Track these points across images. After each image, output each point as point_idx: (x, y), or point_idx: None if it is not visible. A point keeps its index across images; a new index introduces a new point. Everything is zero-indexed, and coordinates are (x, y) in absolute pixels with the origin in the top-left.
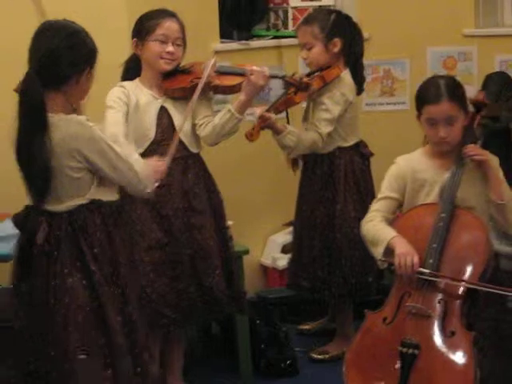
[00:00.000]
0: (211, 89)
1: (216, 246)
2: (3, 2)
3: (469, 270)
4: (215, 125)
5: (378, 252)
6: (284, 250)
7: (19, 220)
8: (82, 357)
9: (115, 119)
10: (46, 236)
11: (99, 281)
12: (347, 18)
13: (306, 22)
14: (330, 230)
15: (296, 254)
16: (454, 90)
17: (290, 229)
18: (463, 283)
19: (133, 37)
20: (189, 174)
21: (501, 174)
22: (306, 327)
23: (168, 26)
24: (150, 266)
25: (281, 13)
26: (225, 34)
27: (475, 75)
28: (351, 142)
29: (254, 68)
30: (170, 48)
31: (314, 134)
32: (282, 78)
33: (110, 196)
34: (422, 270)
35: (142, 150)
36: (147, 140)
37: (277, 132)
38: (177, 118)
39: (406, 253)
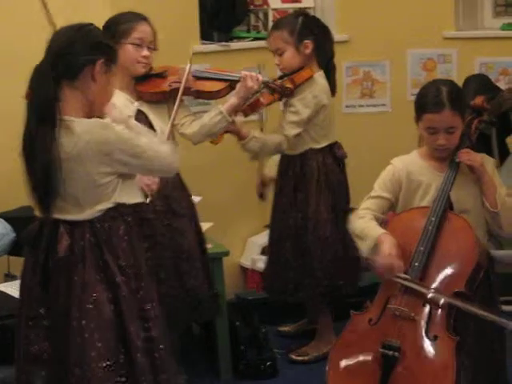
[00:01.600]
0: (193, 94)
1: (197, 248)
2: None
3: (455, 274)
4: (204, 124)
5: (365, 246)
6: (264, 251)
7: (32, 235)
8: (105, 372)
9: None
10: (69, 246)
11: (125, 295)
12: (315, 19)
13: (275, 28)
14: (303, 231)
15: (270, 257)
16: (456, 98)
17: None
18: (432, 291)
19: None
20: (167, 178)
21: (496, 177)
22: (286, 329)
23: (143, 30)
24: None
25: (261, 14)
26: (205, 36)
27: (455, 77)
28: (323, 144)
29: (249, 73)
30: (146, 52)
31: (278, 136)
32: (266, 83)
33: (133, 197)
34: (400, 275)
35: None
36: None
37: (241, 138)
38: (155, 121)
39: (389, 255)
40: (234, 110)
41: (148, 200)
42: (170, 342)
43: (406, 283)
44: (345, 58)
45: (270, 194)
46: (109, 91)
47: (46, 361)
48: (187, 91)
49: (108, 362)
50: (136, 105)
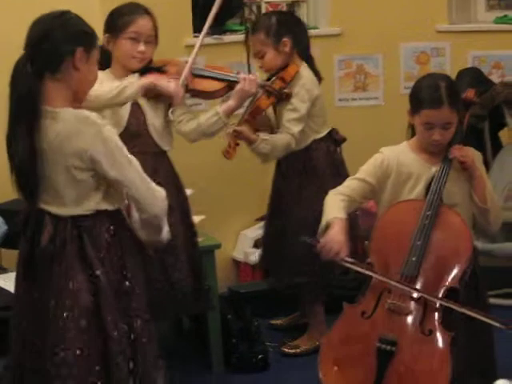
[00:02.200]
0: (189, 92)
1: (184, 242)
2: None
3: (451, 269)
4: (200, 123)
5: (320, 224)
6: (256, 244)
7: (20, 224)
8: (82, 363)
9: None
10: (50, 237)
11: (103, 286)
12: (289, 14)
13: (252, 32)
14: (312, 226)
15: (277, 252)
16: (454, 94)
17: (262, 224)
18: (416, 292)
19: (104, 31)
20: (160, 171)
21: (484, 171)
22: (278, 322)
23: (141, 24)
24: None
25: (254, 7)
26: (198, 29)
27: (448, 71)
28: (324, 132)
29: (247, 76)
30: (142, 47)
31: (286, 136)
32: (264, 86)
33: (117, 205)
34: (347, 258)
35: None
36: (119, 128)
37: (250, 143)
38: (150, 116)
39: (334, 239)
40: (231, 112)
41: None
42: (153, 331)
43: (351, 266)
44: (337, 51)
45: (267, 183)
46: (92, 78)
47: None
48: (185, 89)
49: (81, 351)
50: None
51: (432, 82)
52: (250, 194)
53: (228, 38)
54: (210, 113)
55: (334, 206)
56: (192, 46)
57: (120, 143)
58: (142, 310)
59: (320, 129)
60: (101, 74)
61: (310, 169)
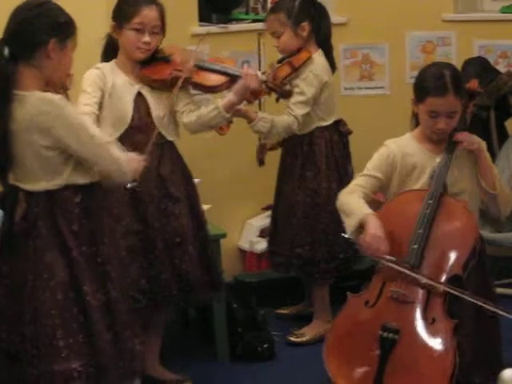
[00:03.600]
0: (191, 85)
1: (192, 233)
2: None
3: (452, 258)
4: (200, 115)
5: (350, 223)
6: (262, 233)
7: (1, 199)
8: (61, 334)
9: (85, 110)
10: (23, 213)
11: (77, 258)
12: (312, 1)
13: (272, 11)
14: (313, 208)
15: (276, 236)
16: (459, 83)
17: (268, 213)
18: (425, 279)
19: (112, 19)
20: (165, 160)
21: (489, 159)
22: (284, 311)
23: (146, 15)
24: (124, 250)
25: None
26: (204, 17)
27: (454, 60)
28: (330, 121)
29: (250, 71)
30: (146, 38)
31: (288, 117)
32: (266, 83)
33: (88, 178)
34: (386, 256)
35: (118, 134)
36: (123, 124)
37: (249, 120)
38: (154, 106)
39: (376, 235)
40: (232, 107)
41: (129, 185)
42: (129, 304)
43: (392, 265)
44: (343, 40)
45: (273, 172)
46: (66, 65)
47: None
48: (187, 82)
49: (67, 323)
50: (137, 87)
51: (437, 71)
52: (256, 183)
53: (234, 26)
54: (211, 106)
55: (359, 203)
56: (198, 35)
57: (83, 121)
58: (118, 281)
59: (326, 117)
60: (105, 66)
61: (311, 153)
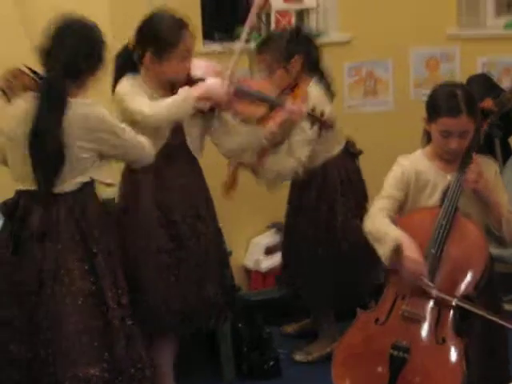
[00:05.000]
0: (230, 113)
1: (215, 253)
2: None
3: (466, 278)
4: (240, 143)
5: (384, 249)
6: (267, 252)
7: (9, 206)
8: (83, 339)
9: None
10: (41, 218)
11: (100, 264)
12: (298, 31)
13: (260, 52)
14: (331, 240)
15: (295, 269)
16: (472, 103)
17: (273, 231)
18: (455, 301)
19: (143, 45)
20: (195, 179)
21: (499, 181)
22: (289, 329)
23: (190, 41)
24: (155, 270)
25: (264, 15)
26: (206, 36)
27: (458, 76)
28: (339, 149)
29: (295, 107)
30: (189, 62)
31: (292, 162)
32: (310, 114)
33: (105, 177)
34: (426, 281)
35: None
36: (161, 141)
37: (254, 171)
38: (187, 124)
39: (416, 260)
40: (275, 138)
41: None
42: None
43: (430, 290)
44: (347, 56)
45: (277, 193)
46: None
47: (14, 327)
48: (225, 109)
49: (87, 328)
50: None
51: (449, 90)
52: (261, 201)
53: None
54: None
55: (389, 226)
56: (202, 54)
57: (115, 120)
58: (126, 288)
59: (334, 146)
60: (131, 83)
61: (326, 185)
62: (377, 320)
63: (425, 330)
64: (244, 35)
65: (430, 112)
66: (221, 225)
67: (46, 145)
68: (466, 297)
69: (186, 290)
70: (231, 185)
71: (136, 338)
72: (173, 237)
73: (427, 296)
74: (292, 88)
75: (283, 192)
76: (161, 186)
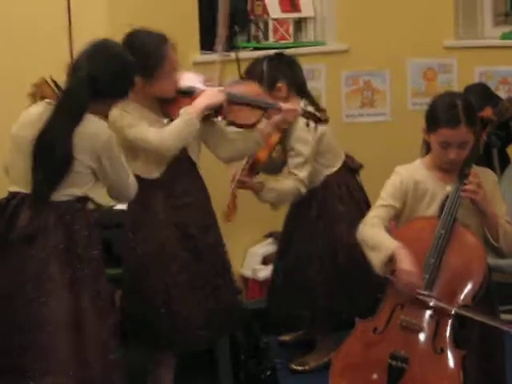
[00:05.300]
0: (225, 122)
1: (224, 262)
2: None
3: (464, 289)
4: (238, 148)
5: (378, 258)
6: (264, 261)
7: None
8: (58, 346)
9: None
10: (30, 219)
11: (84, 275)
12: (279, 55)
13: (247, 79)
14: (332, 257)
15: (292, 286)
16: (471, 113)
17: (270, 240)
18: (455, 309)
19: (136, 76)
20: (203, 191)
21: (498, 192)
22: (286, 338)
23: (173, 54)
24: (178, 288)
25: (261, 24)
26: (204, 45)
27: (455, 87)
28: (338, 165)
29: (290, 106)
30: (177, 75)
31: (293, 182)
32: (304, 111)
33: (99, 198)
34: (421, 292)
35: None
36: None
37: (255, 192)
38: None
39: (411, 272)
40: (269, 138)
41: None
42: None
43: (427, 299)
44: (345, 67)
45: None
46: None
47: None
48: (226, 115)
49: (58, 335)
50: (165, 122)
51: (449, 101)
52: (258, 211)
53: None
54: (251, 141)
55: (384, 236)
56: (199, 64)
57: (120, 152)
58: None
59: (332, 163)
60: (131, 104)
61: (326, 202)
62: (375, 329)
63: (423, 340)
64: (219, 46)
65: (429, 122)
66: None
67: (54, 150)
68: (464, 307)
69: (212, 303)
70: (231, 211)
71: (110, 344)
72: (192, 252)
73: (426, 306)
74: None
75: None
76: (174, 204)
